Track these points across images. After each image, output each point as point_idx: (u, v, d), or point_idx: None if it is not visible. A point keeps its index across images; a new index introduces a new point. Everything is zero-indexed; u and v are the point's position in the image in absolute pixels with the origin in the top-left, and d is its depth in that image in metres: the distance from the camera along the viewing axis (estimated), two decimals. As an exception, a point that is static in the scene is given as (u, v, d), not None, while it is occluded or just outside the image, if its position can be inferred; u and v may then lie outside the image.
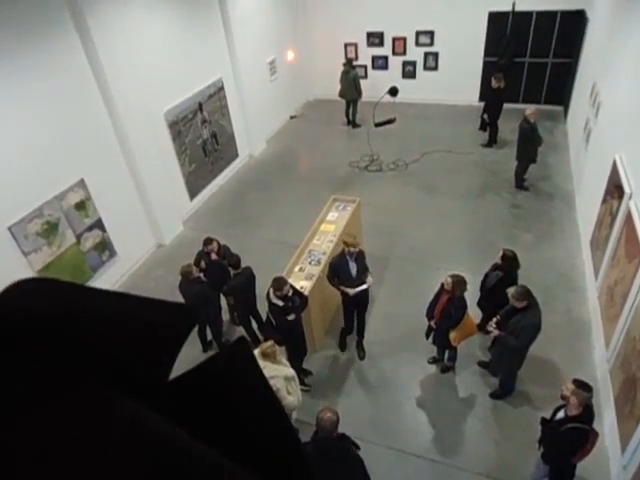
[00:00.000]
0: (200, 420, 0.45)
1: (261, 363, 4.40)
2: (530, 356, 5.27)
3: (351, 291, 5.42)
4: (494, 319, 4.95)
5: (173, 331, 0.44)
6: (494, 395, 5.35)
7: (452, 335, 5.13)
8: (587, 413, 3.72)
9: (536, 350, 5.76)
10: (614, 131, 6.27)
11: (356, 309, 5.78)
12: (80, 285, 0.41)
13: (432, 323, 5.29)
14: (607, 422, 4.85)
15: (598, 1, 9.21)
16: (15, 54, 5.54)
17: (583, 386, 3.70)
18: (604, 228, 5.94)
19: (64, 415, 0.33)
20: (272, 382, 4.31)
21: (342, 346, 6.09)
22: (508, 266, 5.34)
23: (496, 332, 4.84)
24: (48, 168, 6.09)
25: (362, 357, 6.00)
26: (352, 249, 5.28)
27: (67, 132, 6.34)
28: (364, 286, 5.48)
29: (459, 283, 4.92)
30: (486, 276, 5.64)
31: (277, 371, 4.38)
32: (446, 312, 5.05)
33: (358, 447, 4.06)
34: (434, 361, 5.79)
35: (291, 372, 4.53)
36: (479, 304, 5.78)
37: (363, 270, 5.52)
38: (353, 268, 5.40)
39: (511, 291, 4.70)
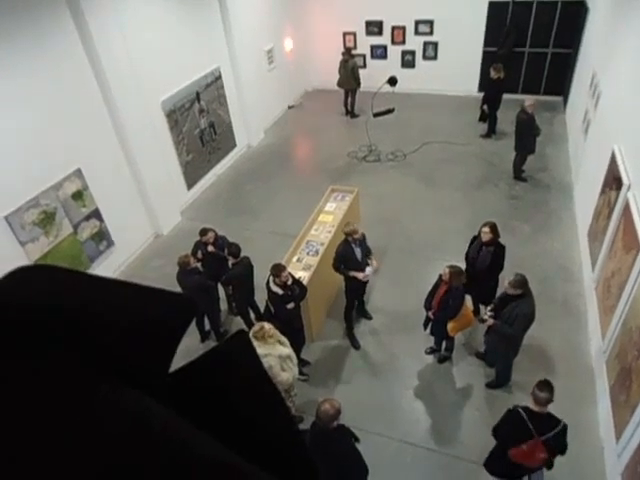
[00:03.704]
0: (201, 412, 0.45)
1: (255, 343, 4.44)
2: (526, 346, 5.30)
3: (361, 275, 5.59)
4: (489, 307, 4.97)
5: (174, 321, 0.44)
6: (490, 385, 5.39)
7: (450, 325, 5.16)
8: (546, 419, 3.70)
9: (533, 340, 5.80)
10: (613, 122, 6.26)
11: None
12: (81, 272, 0.40)
13: (430, 314, 5.31)
14: (602, 411, 4.90)
15: (599, -10, 9.14)
16: (11, 40, 5.47)
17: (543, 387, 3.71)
18: (602, 219, 5.94)
19: (68, 407, 0.33)
20: (265, 360, 4.36)
21: (354, 343, 6.06)
22: (495, 237, 5.46)
23: (491, 321, 4.85)
24: (44, 158, 6.05)
25: (370, 317, 6.33)
26: (356, 236, 5.46)
27: (64, 122, 6.28)
28: (370, 269, 5.68)
29: (457, 274, 4.93)
30: (474, 259, 5.60)
31: (272, 349, 4.44)
32: (444, 303, 5.06)
33: (357, 439, 4.08)
34: (432, 351, 5.82)
35: (286, 351, 4.56)
36: (468, 291, 5.63)
37: (367, 253, 5.70)
38: (359, 253, 5.58)
39: (509, 278, 4.70)
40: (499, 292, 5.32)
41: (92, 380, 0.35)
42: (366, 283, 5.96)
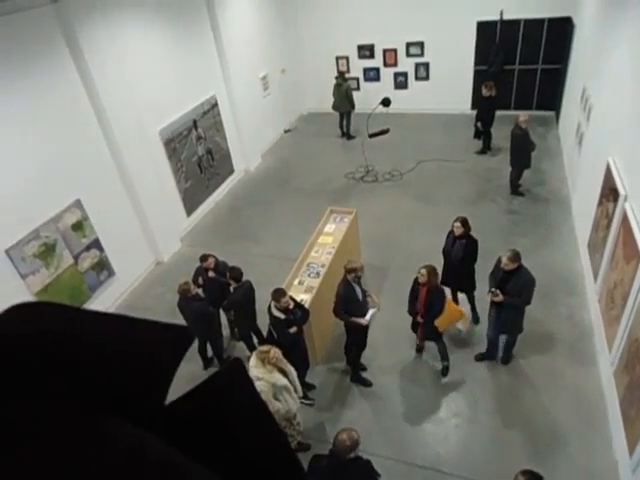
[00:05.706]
0: (197, 441, 0.45)
1: (254, 362, 4.41)
2: (534, 361, 5.25)
3: (364, 321, 5.28)
4: (493, 289, 5.12)
5: (168, 353, 0.44)
6: (504, 360, 5.64)
7: (437, 322, 5.27)
8: None
9: (540, 355, 5.76)
10: (606, 134, 6.32)
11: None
12: (76, 308, 0.41)
13: (419, 317, 5.39)
14: (613, 425, 4.81)
15: (584, 8, 9.36)
16: (9, 75, 5.59)
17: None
18: (601, 231, 5.95)
19: (62, 443, 0.33)
20: (257, 383, 4.30)
21: (360, 366, 5.86)
22: (467, 230, 5.70)
23: (501, 297, 5.02)
24: (44, 190, 6.10)
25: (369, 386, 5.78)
26: (359, 274, 5.21)
27: (62, 153, 6.36)
28: (372, 311, 5.36)
29: (434, 271, 5.14)
30: (449, 252, 5.86)
31: (267, 375, 4.37)
32: (428, 304, 5.21)
33: (378, 474, 3.97)
34: (419, 349, 6.01)
35: (283, 381, 4.47)
36: (444, 282, 5.86)
37: (365, 291, 5.49)
38: (359, 293, 5.32)
39: (508, 254, 4.95)
40: (479, 280, 5.90)
41: (88, 413, 0.36)
42: (368, 326, 5.56)
